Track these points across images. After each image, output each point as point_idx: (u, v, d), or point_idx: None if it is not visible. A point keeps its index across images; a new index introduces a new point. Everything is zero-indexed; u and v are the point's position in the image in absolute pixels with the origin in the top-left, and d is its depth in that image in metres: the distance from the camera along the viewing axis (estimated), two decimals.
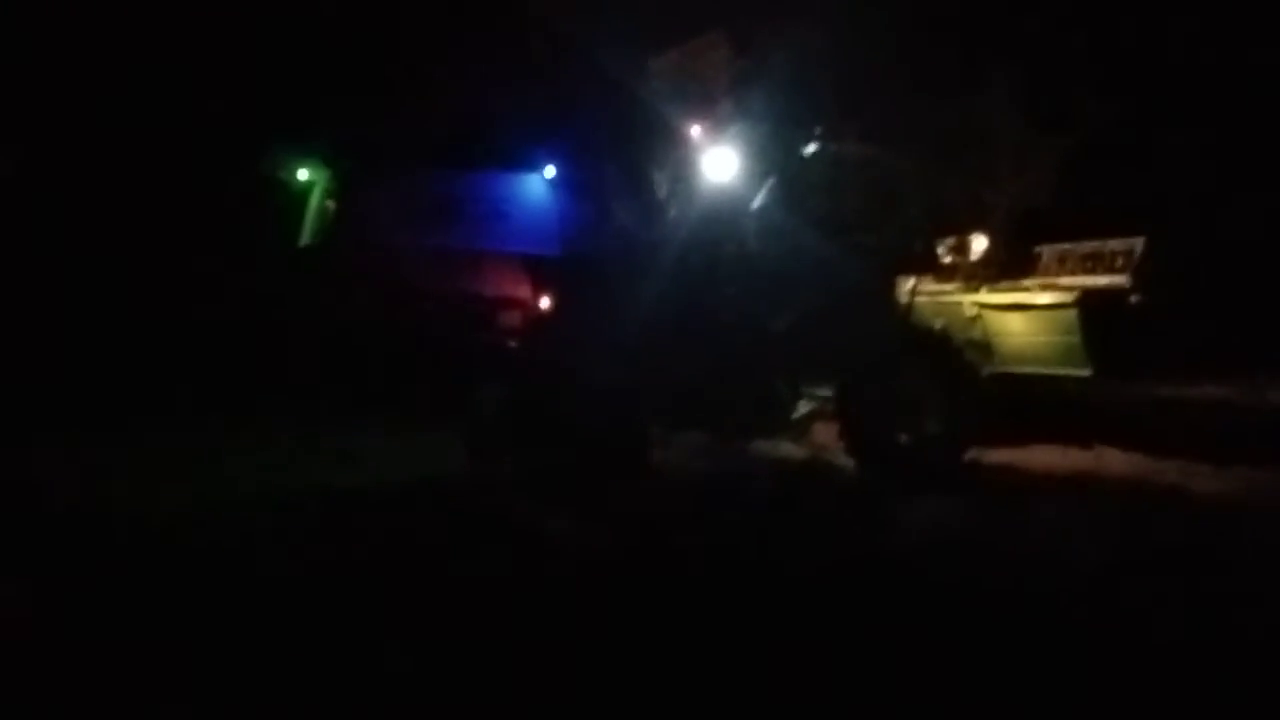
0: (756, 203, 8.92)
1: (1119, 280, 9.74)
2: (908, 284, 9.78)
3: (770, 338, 8.73)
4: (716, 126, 8.79)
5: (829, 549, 6.04)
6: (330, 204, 7.96)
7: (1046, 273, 10.58)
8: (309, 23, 8.98)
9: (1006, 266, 10.85)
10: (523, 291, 7.94)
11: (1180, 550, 6.18)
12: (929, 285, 10.64)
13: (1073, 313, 9.49)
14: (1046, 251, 10.71)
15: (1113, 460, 9.69)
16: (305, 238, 8.16)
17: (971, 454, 9.78)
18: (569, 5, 8.71)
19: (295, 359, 8.07)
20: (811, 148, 9.35)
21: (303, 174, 8.24)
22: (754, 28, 9.08)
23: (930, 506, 7.22)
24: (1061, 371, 9.80)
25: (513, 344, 7.94)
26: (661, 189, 8.59)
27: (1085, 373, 9.61)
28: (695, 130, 8.71)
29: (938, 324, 10.12)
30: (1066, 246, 10.62)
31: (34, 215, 9.44)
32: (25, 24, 9.68)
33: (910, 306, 9.75)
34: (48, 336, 8.86)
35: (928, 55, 12.18)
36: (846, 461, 9.13)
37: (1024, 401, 10.36)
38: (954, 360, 9.42)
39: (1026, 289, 10.16)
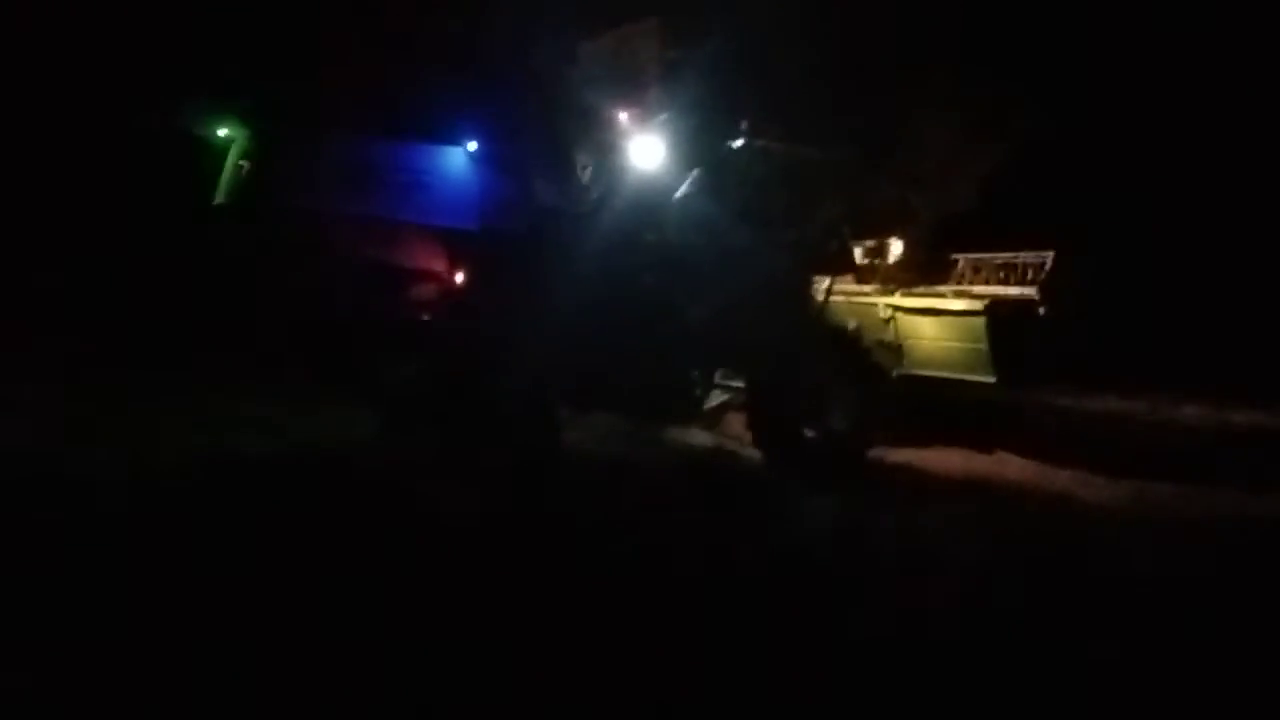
0: (679, 192, 8.96)
1: (1028, 291, 10.02)
2: (823, 283, 9.91)
3: (685, 326, 8.78)
4: (644, 114, 8.80)
5: (708, 538, 6.14)
6: (245, 164, 7.81)
7: (961, 280, 10.85)
8: None
9: (923, 272, 11.10)
10: (438, 264, 7.88)
11: (1050, 558, 6.39)
12: (846, 285, 10.83)
13: (981, 320, 9.75)
14: (962, 260, 10.99)
15: (1011, 466, 9.96)
16: (219, 196, 8.00)
17: (876, 452, 10.03)
18: None
19: (207, 319, 7.94)
20: (737, 142, 9.41)
21: (220, 131, 8.08)
22: (686, 18, 9.08)
23: (822, 501, 7.36)
24: (968, 377, 10.06)
25: (426, 317, 7.88)
26: (585, 172, 8.57)
27: (990, 379, 9.88)
28: (622, 116, 8.71)
29: (851, 324, 10.32)
30: (982, 256, 10.90)
31: None
32: None
33: (825, 305, 9.89)
34: None
35: (860, 55, 12.31)
36: (753, 453, 9.28)
37: (932, 404, 10.63)
38: (863, 360, 9.59)
39: (939, 295, 10.40)
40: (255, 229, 7.76)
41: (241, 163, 7.77)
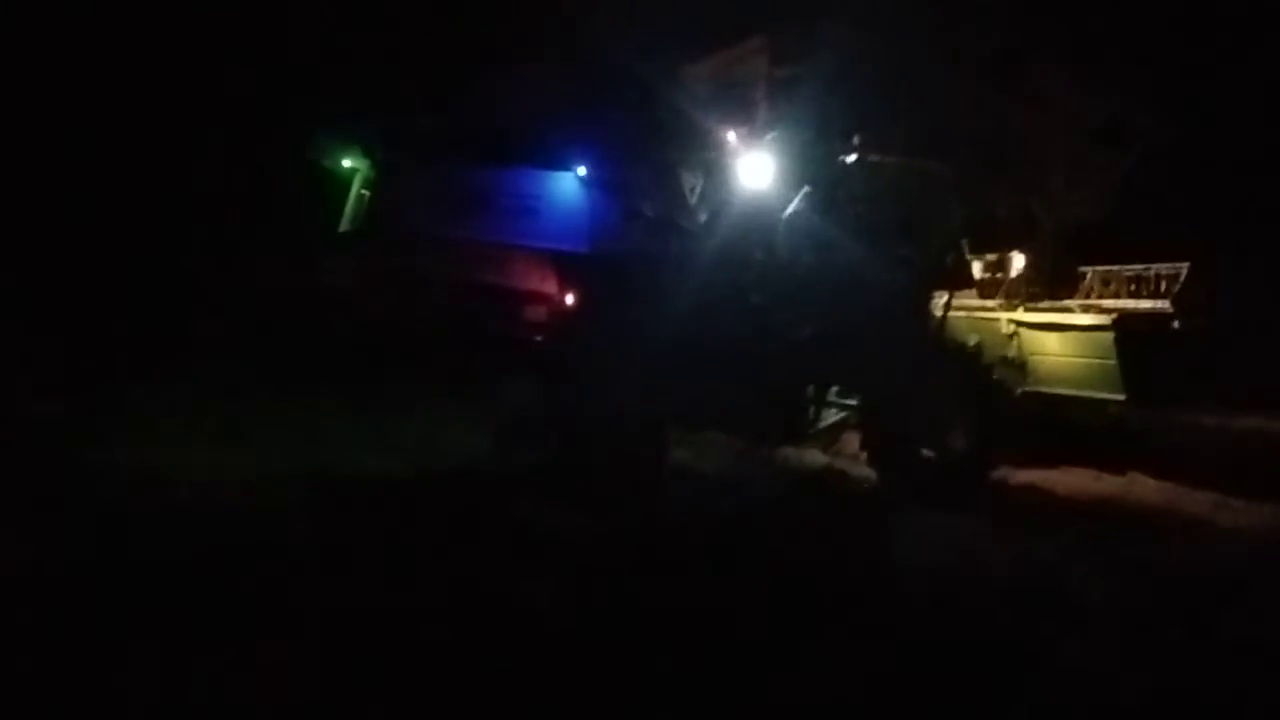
0: (790, 210, 8.89)
1: (1161, 305, 9.59)
2: (941, 299, 9.66)
3: (795, 344, 8.69)
4: (753, 133, 8.78)
5: (796, 564, 6.06)
6: (365, 192, 8.12)
7: (1089, 294, 10.45)
8: (356, 16, 9.23)
9: (1049, 285, 10.74)
10: (550, 287, 7.99)
11: (1181, 587, 6.08)
12: (969, 301, 10.57)
13: (1109, 335, 9.35)
14: (1090, 272, 10.59)
15: (1143, 488, 9.51)
16: (344, 224, 8.34)
17: (1001, 472, 9.73)
18: (607, 8, 8.77)
19: (334, 341, 8.29)
20: (849, 157, 9.28)
21: (346, 162, 8.41)
22: (795, 34, 9.02)
23: (936, 523, 7.18)
24: (1096, 394, 9.66)
25: (538, 338, 8.01)
26: (694, 193, 8.60)
27: (1120, 397, 9.47)
28: (731, 136, 8.70)
29: (971, 340, 10.06)
30: (1110, 268, 10.49)
31: (92, 194, 9.83)
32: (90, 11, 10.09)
33: (943, 321, 9.64)
34: (96, 309, 9.22)
35: (979, 65, 12.00)
36: (867, 472, 9.11)
37: (1060, 422, 10.26)
38: (983, 377, 9.31)
39: (1065, 309, 10.04)
40: (375, 254, 8.04)
41: (363, 192, 8.07)
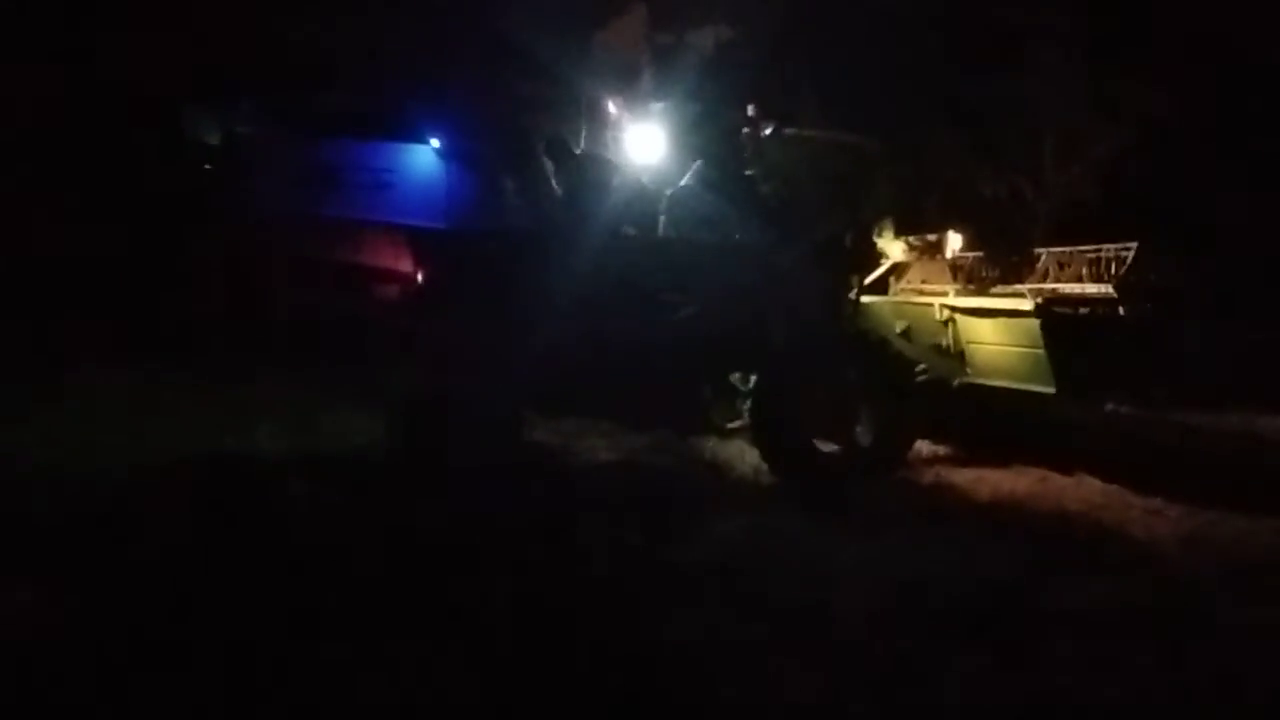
0: (679, 185, 8.39)
1: (1105, 289, 8.65)
2: (853, 281, 8.95)
3: (673, 327, 8.20)
4: (635, 105, 8.30)
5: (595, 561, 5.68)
6: (208, 168, 8.03)
7: (1044, 277, 9.55)
8: None
9: (1011, 267, 9.87)
10: (402, 264, 7.76)
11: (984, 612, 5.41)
12: (903, 284, 9.85)
13: (1035, 321, 8.46)
14: (1045, 254, 9.67)
15: (1085, 490, 8.58)
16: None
17: (930, 472, 9.01)
18: None
19: (195, 323, 8.27)
20: (760, 130, 8.70)
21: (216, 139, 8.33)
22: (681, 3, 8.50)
23: (757, 524, 6.64)
24: (1026, 386, 8.79)
25: (391, 317, 7.79)
26: (559, 168, 8.18)
27: (1049, 389, 8.57)
28: (610, 106, 8.26)
29: (898, 327, 9.34)
30: (1067, 249, 9.55)
31: None
32: None
33: (854, 306, 8.92)
34: None
35: (961, 33, 11.20)
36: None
37: (1004, 417, 9.44)
38: (892, 366, 8.58)
39: (994, 294, 9.18)
40: (225, 230, 7.96)
41: (206, 167, 7.98)
